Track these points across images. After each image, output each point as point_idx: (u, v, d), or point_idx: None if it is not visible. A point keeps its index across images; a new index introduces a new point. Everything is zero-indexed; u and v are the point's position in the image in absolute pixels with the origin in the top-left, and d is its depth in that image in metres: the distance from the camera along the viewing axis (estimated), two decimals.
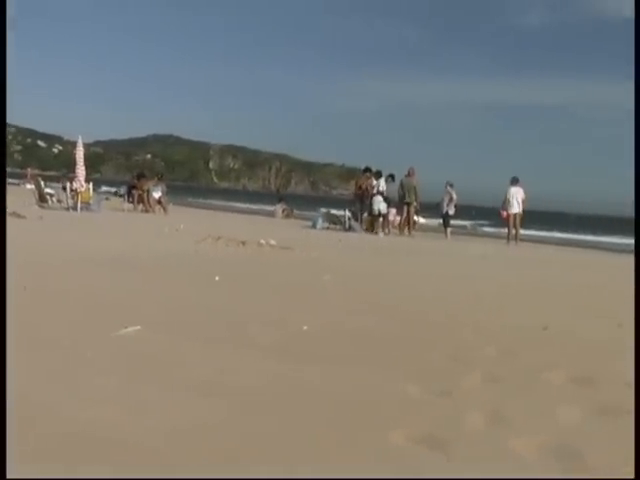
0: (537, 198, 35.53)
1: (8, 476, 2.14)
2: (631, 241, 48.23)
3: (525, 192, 27.84)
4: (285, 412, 3.92)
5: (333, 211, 31.59)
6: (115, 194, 44.00)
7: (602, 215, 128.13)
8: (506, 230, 28.32)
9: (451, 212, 29.10)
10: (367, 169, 28.53)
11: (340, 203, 34.84)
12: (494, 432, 3.75)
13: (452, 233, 29.08)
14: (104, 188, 52.17)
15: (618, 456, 3.49)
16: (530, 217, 31.17)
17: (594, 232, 56.04)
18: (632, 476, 2.19)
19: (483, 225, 48.67)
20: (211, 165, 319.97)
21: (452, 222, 29.48)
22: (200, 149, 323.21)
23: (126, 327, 5.69)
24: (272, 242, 15.75)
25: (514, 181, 27.73)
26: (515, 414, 4.06)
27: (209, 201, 70.61)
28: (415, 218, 31.22)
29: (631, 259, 15.70)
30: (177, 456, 3.19)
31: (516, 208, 27.61)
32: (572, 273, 15.50)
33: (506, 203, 27.53)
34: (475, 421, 3.92)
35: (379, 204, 27.15)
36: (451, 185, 29.21)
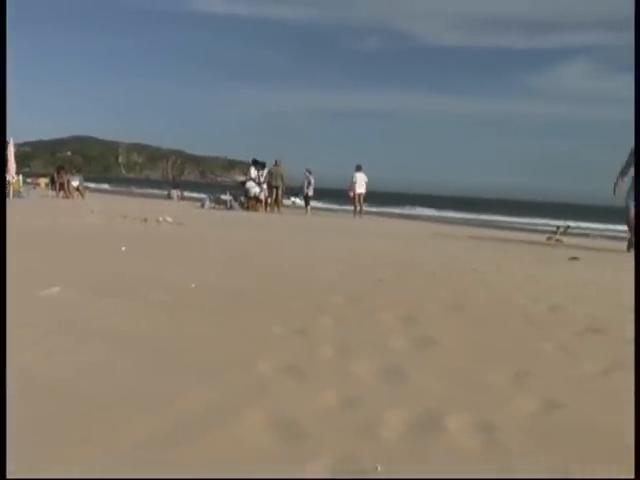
0: (377, 181, 36.09)
1: (8, 476, 2.02)
2: (440, 213, 49.66)
3: (367, 176, 28.36)
4: (170, 351, 3.87)
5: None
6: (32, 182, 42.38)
7: (426, 194, 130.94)
8: (352, 207, 28.80)
9: (310, 193, 29.41)
10: (255, 161, 28.46)
11: (224, 188, 34.64)
12: (340, 360, 3.79)
13: (311, 209, 29.34)
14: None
15: (432, 374, 3.59)
16: (371, 197, 31.65)
17: (426, 207, 57.50)
18: (632, 476, 2.17)
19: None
20: (120, 160, 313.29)
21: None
22: (111, 147, 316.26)
23: (48, 288, 5.54)
24: (169, 219, 15.62)
25: (358, 168, 28.24)
26: (357, 346, 4.11)
27: (119, 188, 69.09)
28: (293, 199, 31.48)
29: (439, 227, 16.13)
30: (80, 386, 3.13)
31: (360, 189, 28.10)
32: (402, 239, 15.82)
33: (352, 185, 27.99)
34: (326, 352, 3.95)
35: (254, 188, 27.25)
36: (310, 172, 29.47)
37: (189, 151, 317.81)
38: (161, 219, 15.47)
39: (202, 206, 28.57)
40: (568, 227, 22.44)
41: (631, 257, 12.08)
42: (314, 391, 3.18)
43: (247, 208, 26.96)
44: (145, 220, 15.10)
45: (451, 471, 2.37)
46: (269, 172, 27.57)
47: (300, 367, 3.59)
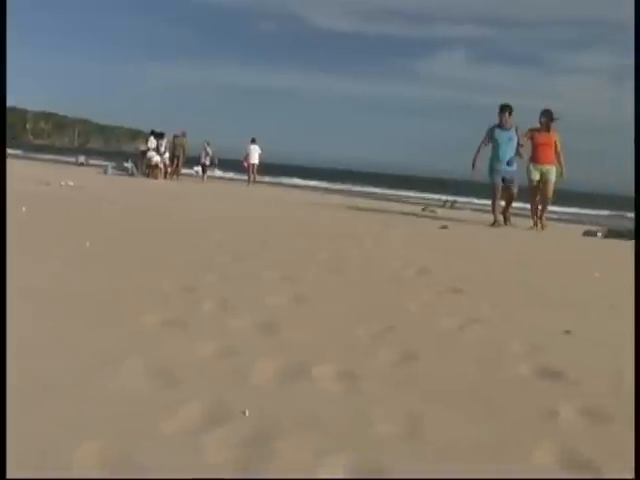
0: (271, 153, 36.18)
1: (8, 476, 1.87)
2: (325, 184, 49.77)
3: (261, 148, 28.43)
4: (64, 304, 3.75)
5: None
6: None
7: (325, 168, 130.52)
8: (246, 176, 28.78)
9: (207, 163, 29.31)
10: (153, 132, 27.94)
11: (127, 156, 33.76)
12: (221, 315, 3.76)
13: (207, 178, 29.18)
14: None
15: (304, 328, 3.60)
16: (265, 167, 31.58)
17: (317, 179, 57.31)
18: (632, 476, 2.13)
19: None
20: (28, 127, 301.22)
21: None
22: (19, 115, 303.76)
23: None
24: (70, 183, 15.14)
25: (253, 140, 28.26)
26: (238, 302, 4.08)
27: (27, 154, 66.30)
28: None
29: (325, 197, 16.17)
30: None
31: (254, 160, 28.17)
32: (288, 206, 15.82)
33: (247, 156, 28.03)
34: (209, 307, 3.91)
35: (154, 157, 26.78)
36: (208, 143, 29.27)
37: (94, 120, 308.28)
38: (63, 183, 14.96)
39: (105, 172, 27.76)
40: (455, 201, 23.04)
41: (495, 230, 12.42)
42: (193, 342, 3.14)
43: (147, 175, 26.42)
44: (48, 184, 14.56)
45: (313, 414, 2.38)
46: (172, 142, 27.21)
47: (183, 320, 3.53)
